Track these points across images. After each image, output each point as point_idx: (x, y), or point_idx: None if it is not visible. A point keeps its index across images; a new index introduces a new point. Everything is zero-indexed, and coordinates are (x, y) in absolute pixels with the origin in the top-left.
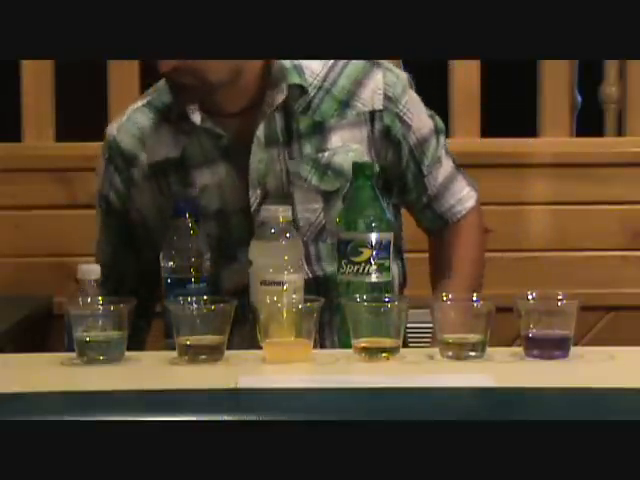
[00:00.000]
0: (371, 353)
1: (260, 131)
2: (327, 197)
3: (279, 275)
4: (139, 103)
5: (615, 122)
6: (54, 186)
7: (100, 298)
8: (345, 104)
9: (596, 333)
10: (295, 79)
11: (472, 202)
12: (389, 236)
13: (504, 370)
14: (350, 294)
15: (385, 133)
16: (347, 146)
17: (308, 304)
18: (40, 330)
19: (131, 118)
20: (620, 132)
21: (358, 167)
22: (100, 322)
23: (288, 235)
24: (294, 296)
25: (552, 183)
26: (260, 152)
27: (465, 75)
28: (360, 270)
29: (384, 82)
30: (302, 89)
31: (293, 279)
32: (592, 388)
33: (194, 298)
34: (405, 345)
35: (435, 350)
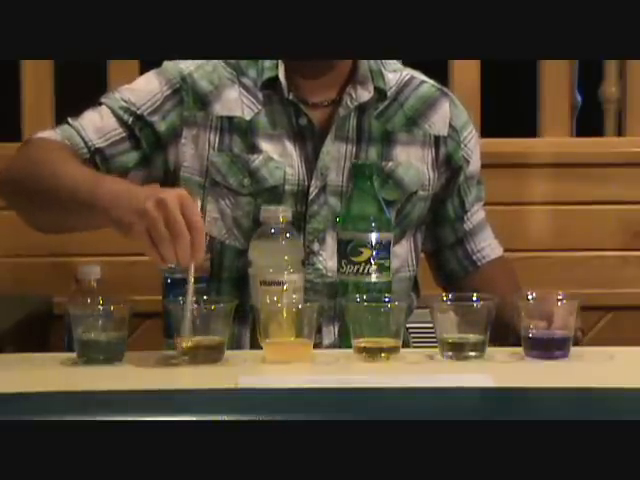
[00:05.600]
0: (371, 353)
1: (334, 124)
2: None
3: (279, 275)
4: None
5: (615, 122)
6: None
7: (100, 298)
8: (413, 122)
9: (596, 333)
10: (380, 83)
11: (501, 252)
12: (389, 236)
13: (504, 370)
14: (350, 294)
15: (447, 159)
16: (410, 162)
17: (308, 304)
18: (40, 330)
19: (212, 64)
20: (620, 132)
21: (358, 167)
22: (100, 322)
23: (288, 235)
24: (294, 296)
25: (552, 183)
26: (330, 144)
27: (465, 75)
28: (360, 270)
29: (450, 111)
30: (381, 95)
31: (293, 279)
32: (592, 388)
33: (194, 298)
34: (406, 345)
35: (435, 350)
